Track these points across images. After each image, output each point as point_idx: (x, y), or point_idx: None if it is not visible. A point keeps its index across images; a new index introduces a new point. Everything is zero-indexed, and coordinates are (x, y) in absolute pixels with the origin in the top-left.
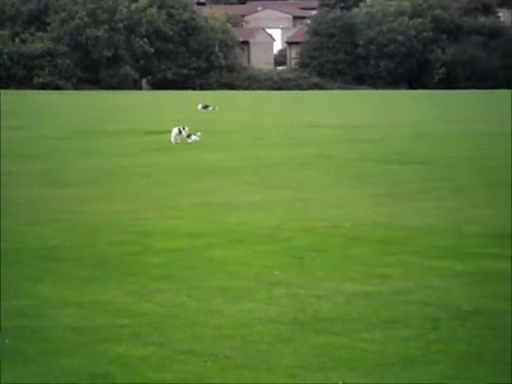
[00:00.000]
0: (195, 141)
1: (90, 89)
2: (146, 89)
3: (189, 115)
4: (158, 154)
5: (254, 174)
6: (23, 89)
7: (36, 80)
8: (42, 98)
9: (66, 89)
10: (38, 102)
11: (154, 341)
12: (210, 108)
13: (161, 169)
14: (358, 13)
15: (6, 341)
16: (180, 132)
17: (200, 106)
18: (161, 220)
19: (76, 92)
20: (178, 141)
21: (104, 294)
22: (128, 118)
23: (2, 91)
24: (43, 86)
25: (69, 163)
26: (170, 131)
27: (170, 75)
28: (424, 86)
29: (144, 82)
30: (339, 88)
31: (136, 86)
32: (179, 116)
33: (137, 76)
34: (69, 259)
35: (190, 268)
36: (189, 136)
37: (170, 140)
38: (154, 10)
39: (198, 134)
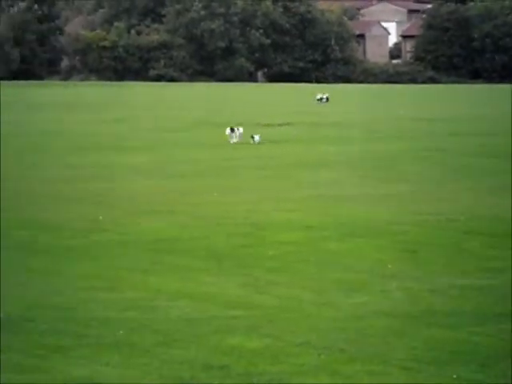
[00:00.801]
0: (257, 140)
1: (205, 81)
2: (262, 81)
3: (304, 108)
4: (272, 146)
5: (369, 168)
6: (139, 81)
7: (151, 72)
8: (158, 90)
9: (181, 81)
10: (153, 93)
11: (269, 333)
12: (324, 100)
13: (275, 161)
14: (473, 6)
15: (120, 332)
16: (232, 131)
17: (316, 99)
18: (275, 212)
19: (191, 84)
20: (235, 140)
21: (218, 286)
22: (243, 111)
23: (119, 83)
24: (158, 78)
25: (180, 155)
26: (284, 124)
27: (285, 68)
28: None
29: (260, 74)
30: (454, 82)
31: (251, 78)
32: (294, 109)
33: (252, 68)
34: (182, 251)
35: (304, 261)
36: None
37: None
38: (269, 3)
39: (258, 135)
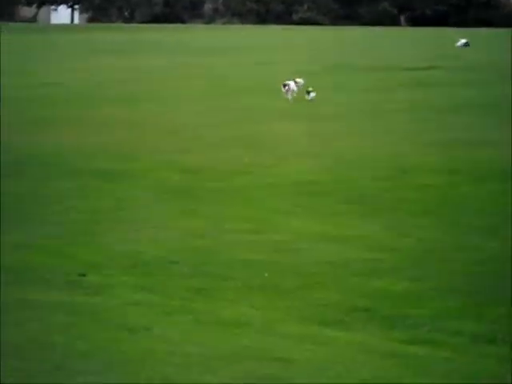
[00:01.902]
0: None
1: (348, 24)
2: (404, 25)
3: (444, 52)
4: (416, 90)
5: (496, 113)
6: (281, 24)
7: (294, 16)
8: (300, 34)
9: (324, 24)
10: (295, 37)
11: (413, 276)
12: (464, 45)
13: (417, 105)
14: None
15: (266, 274)
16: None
17: (459, 43)
18: (419, 156)
19: (333, 28)
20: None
21: (361, 229)
22: (385, 54)
23: (261, 26)
24: (301, 22)
25: (322, 98)
26: (428, 68)
27: (428, 12)
28: None
29: (402, 18)
30: None
31: (394, 22)
32: (435, 53)
33: (395, 12)
34: (325, 194)
35: (446, 204)
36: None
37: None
38: None
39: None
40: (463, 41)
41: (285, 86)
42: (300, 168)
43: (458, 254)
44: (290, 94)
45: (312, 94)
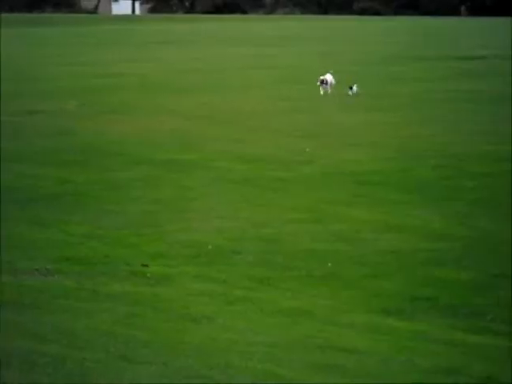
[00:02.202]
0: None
1: (410, 14)
2: (465, 15)
3: (504, 42)
4: (474, 79)
5: None
6: (343, 14)
7: (356, 5)
8: (361, 24)
9: (386, 14)
10: (356, 27)
11: (474, 265)
12: None
13: (476, 95)
14: None
15: (329, 264)
16: (325, 82)
17: None
18: (474, 145)
19: (394, 18)
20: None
21: (422, 218)
22: (444, 44)
23: (323, 17)
24: (363, 12)
25: (379, 88)
26: (482, 57)
27: (488, 2)
28: None
29: (463, 8)
30: None
31: (455, 12)
32: (494, 43)
33: (456, 2)
34: (385, 183)
35: (504, 192)
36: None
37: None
38: None
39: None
40: None
41: (322, 81)
42: (358, 158)
43: None
44: (328, 87)
45: (355, 89)
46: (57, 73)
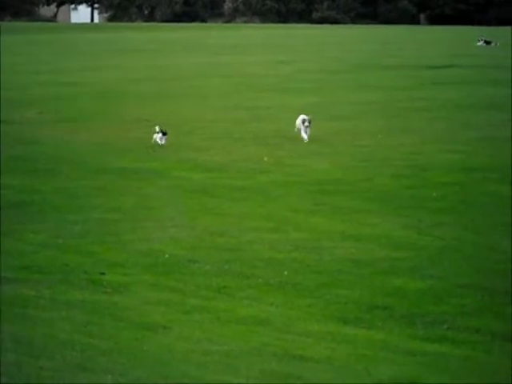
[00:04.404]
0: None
1: (368, 23)
2: (424, 24)
3: (465, 51)
4: (437, 88)
5: None
6: (302, 23)
7: (315, 14)
8: (321, 32)
9: (344, 23)
10: (316, 35)
11: (432, 274)
12: (492, 44)
13: (440, 103)
14: None
15: (285, 272)
16: None
17: (480, 42)
18: (439, 154)
19: (354, 26)
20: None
21: (382, 227)
22: (405, 53)
23: (282, 25)
24: (322, 21)
25: (344, 96)
26: (448, 66)
27: (447, 10)
28: None
29: (422, 17)
30: None
31: (414, 20)
32: (456, 51)
33: (415, 11)
34: (345, 192)
35: (467, 202)
36: None
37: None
38: None
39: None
40: (484, 39)
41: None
42: (320, 166)
43: (478, 253)
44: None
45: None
46: (15, 81)
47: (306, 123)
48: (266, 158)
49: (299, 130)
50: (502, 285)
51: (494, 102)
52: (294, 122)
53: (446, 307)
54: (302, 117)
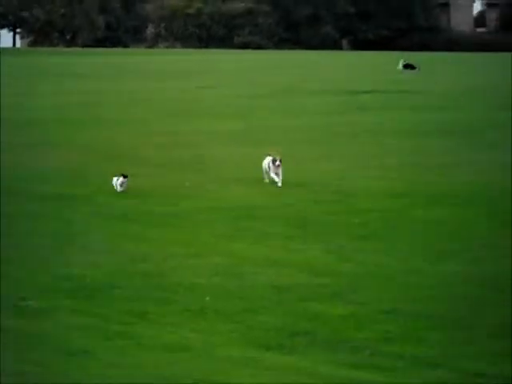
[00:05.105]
0: None
1: (290, 48)
2: (347, 49)
3: (388, 76)
4: (360, 113)
5: (459, 136)
6: (224, 48)
7: (236, 39)
8: (243, 58)
9: (267, 48)
10: (238, 61)
11: (354, 300)
12: (408, 68)
13: (363, 128)
14: None
15: (207, 298)
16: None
17: (400, 67)
18: (363, 180)
19: (276, 51)
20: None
21: (304, 253)
22: (328, 78)
23: (204, 51)
24: (244, 46)
25: (269, 122)
26: (371, 91)
27: (370, 36)
28: None
29: (344, 42)
30: None
31: (336, 46)
32: (379, 76)
33: (337, 36)
34: (269, 218)
35: (390, 228)
36: None
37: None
38: None
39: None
40: (405, 64)
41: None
42: (243, 192)
43: (401, 278)
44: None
45: None
46: None
47: (278, 162)
48: (187, 183)
49: (267, 173)
50: (425, 310)
51: (416, 128)
52: (217, 148)
53: (368, 333)
54: (269, 158)
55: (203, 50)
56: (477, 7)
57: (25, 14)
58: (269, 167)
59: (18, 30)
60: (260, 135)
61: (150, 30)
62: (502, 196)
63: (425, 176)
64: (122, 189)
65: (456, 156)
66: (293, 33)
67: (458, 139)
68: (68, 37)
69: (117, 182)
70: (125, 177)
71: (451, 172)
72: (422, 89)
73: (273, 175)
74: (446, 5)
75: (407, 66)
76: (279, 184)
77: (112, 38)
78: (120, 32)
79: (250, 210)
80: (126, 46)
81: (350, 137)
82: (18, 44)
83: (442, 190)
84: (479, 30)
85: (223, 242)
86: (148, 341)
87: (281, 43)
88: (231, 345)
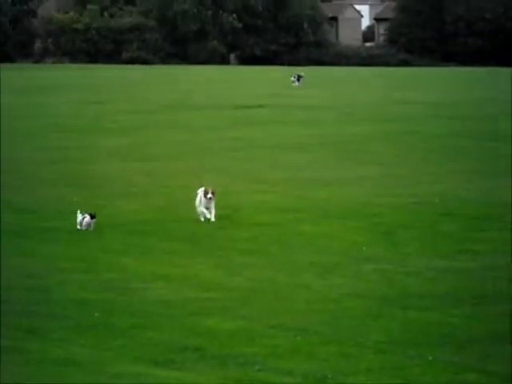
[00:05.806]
0: None
1: (177, 63)
2: (234, 64)
3: (277, 91)
4: (247, 128)
5: (343, 150)
6: (111, 63)
7: (124, 55)
8: (131, 73)
9: (154, 63)
10: (126, 76)
11: (244, 315)
12: (297, 82)
13: (250, 143)
14: None
15: (96, 314)
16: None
17: (290, 81)
18: (250, 194)
19: (164, 67)
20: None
21: (193, 268)
22: (216, 93)
23: (92, 66)
24: (131, 61)
25: (155, 137)
26: (258, 106)
27: (258, 51)
28: None
29: (232, 57)
30: (427, 65)
31: (224, 61)
32: (268, 91)
33: (225, 51)
34: (157, 233)
35: (278, 242)
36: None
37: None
38: None
39: None
40: (294, 79)
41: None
42: (130, 208)
43: (290, 293)
44: None
45: None
46: None
47: (210, 195)
48: (75, 199)
49: (200, 205)
50: (315, 325)
51: (301, 143)
52: (107, 162)
53: (257, 348)
54: (202, 189)
55: (91, 65)
56: (365, 22)
57: None
58: (202, 201)
59: None
60: (145, 150)
61: (38, 45)
62: (382, 210)
63: (308, 190)
64: (85, 227)
65: (343, 170)
66: (180, 48)
67: (343, 154)
68: None
69: (82, 220)
70: (92, 217)
71: (336, 186)
72: (306, 104)
73: (203, 210)
74: (335, 19)
75: (294, 80)
76: (213, 219)
77: None
78: (8, 47)
79: (138, 225)
80: (13, 60)
81: (234, 151)
82: None
83: (328, 204)
84: (368, 44)
85: (112, 257)
86: (37, 356)
87: (168, 58)
88: (121, 360)
